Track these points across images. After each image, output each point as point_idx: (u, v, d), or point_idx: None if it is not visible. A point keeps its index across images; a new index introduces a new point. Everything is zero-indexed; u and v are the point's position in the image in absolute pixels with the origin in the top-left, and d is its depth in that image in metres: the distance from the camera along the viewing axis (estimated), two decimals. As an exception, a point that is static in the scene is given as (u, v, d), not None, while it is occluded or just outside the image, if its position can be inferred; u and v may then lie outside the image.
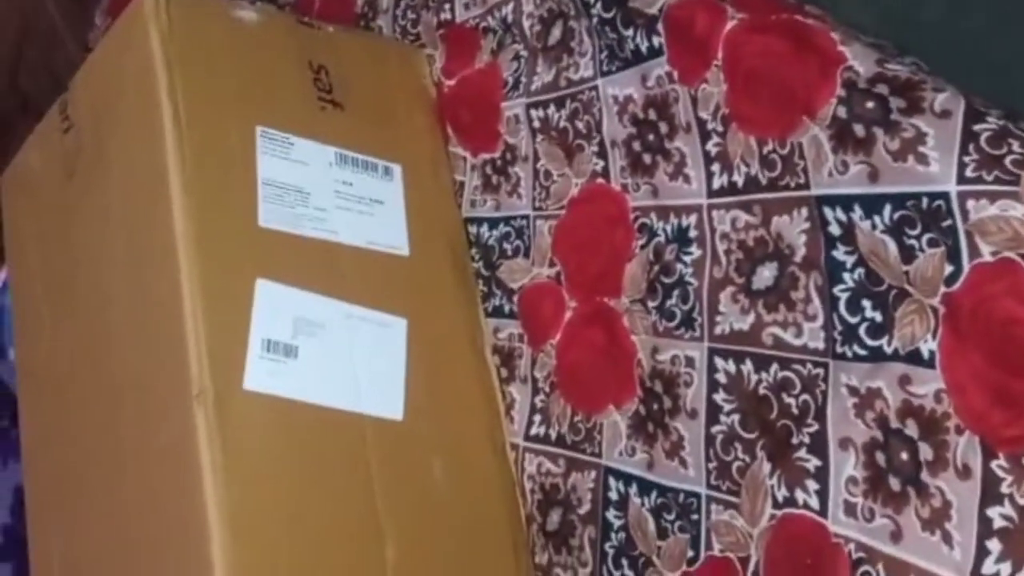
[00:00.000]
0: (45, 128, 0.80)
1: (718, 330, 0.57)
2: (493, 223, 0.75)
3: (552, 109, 0.69)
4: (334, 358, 0.64)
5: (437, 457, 0.66)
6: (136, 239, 0.65)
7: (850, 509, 0.49)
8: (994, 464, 0.43)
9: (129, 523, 0.62)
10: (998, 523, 0.43)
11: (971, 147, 0.44)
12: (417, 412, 0.66)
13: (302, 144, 0.69)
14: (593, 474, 0.64)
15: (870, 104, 0.47)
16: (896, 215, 0.47)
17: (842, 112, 0.48)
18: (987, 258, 0.43)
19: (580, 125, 0.67)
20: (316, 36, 0.75)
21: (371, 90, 0.76)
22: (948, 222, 0.44)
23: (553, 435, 0.68)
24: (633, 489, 0.61)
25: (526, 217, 0.72)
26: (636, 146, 0.63)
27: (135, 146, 0.67)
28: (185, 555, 0.56)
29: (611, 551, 0.62)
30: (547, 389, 0.69)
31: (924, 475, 0.46)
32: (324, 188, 0.69)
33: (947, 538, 0.45)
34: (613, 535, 0.62)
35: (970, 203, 0.43)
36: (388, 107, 0.77)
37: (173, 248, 0.61)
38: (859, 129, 0.48)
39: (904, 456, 0.47)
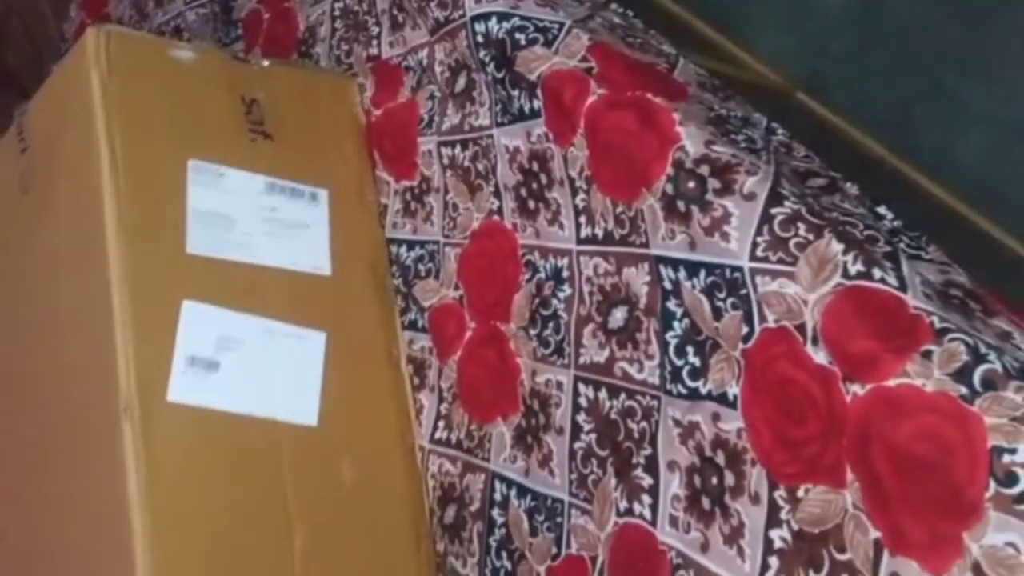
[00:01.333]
0: (6, 142, 0.87)
1: (582, 360, 0.65)
2: (411, 245, 0.83)
3: (458, 149, 0.77)
4: (253, 370, 0.72)
5: (347, 457, 0.75)
6: (76, 262, 0.73)
7: (673, 521, 0.58)
8: (776, 494, 0.52)
9: (63, 528, 0.71)
10: (777, 543, 0.52)
11: (765, 228, 0.52)
12: (331, 417, 0.75)
13: (232, 174, 0.77)
14: (483, 477, 0.73)
15: (691, 184, 0.55)
16: (708, 279, 0.55)
17: (669, 188, 0.56)
18: (771, 324, 0.51)
19: (480, 167, 0.75)
20: (249, 71, 0.82)
21: (302, 120, 0.83)
22: (744, 291, 0.52)
23: (453, 440, 0.77)
24: (513, 492, 0.70)
25: (437, 243, 0.80)
26: (523, 192, 0.70)
27: (76, 176, 0.74)
28: (112, 552, 0.65)
29: (494, 544, 0.71)
30: (450, 399, 0.78)
31: (727, 498, 0.55)
32: (252, 215, 0.77)
33: (741, 552, 0.53)
34: (496, 530, 0.71)
35: (758, 278, 0.51)
36: (318, 135, 0.84)
37: (107, 273, 0.68)
38: (681, 205, 0.56)
39: (714, 480, 0.56)
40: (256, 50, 1.00)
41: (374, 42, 0.86)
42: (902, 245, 0.55)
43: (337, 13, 0.91)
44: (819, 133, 0.69)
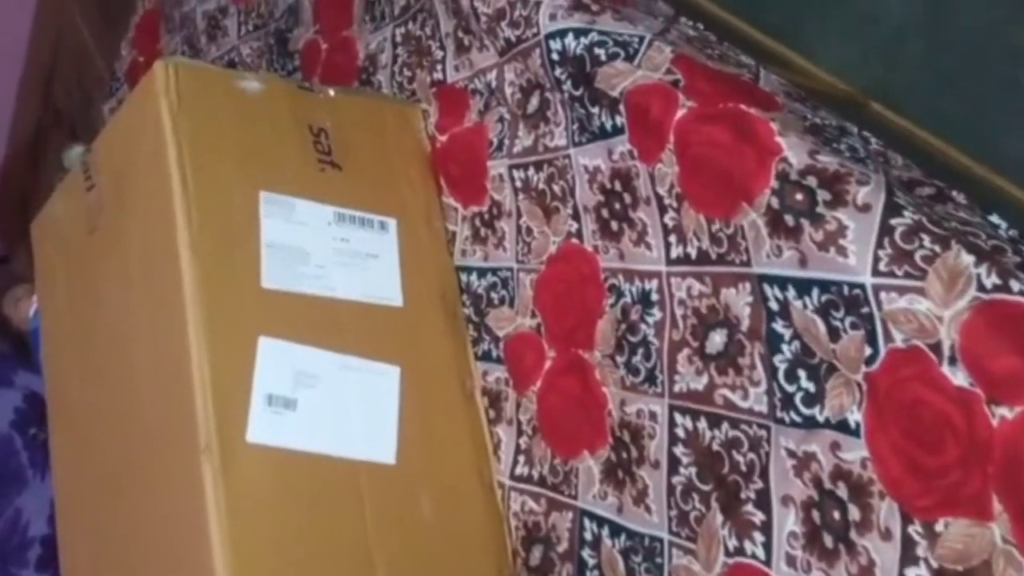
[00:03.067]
0: (70, 183, 0.87)
1: (677, 388, 0.62)
2: (482, 272, 0.80)
3: (532, 171, 0.74)
4: (331, 408, 0.70)
5: (426, 494, 0.72)
6: (149, 298, 0.72)
7: (791, 561, 0.54)
8: (911, 529, 0.48)
9: (147, 560, 0.69)
10: (914, 582, 0.47)
11: (886, 241, 0.48)
12: (409, 454, 0.72)
13: (303, 206, 0.75)
14: (570, 515, 0.70)
15: (799, 196, 0.52)
16: (823, 298, 0.51)
17: (775, 202, 0.53)
18: (899, 344, 0.47)
19: (556, 188, 0.72)
20: (316, 100, 0.81)
21: (368, 149, 0.82)
22: (866, 309, 0.49)
23: (535, 476, 0.73)
24: (605, 531, 0.66)
25: (510, 269, 0.77)
26: (604, 213, 0.67)
27: (148, 210, 0.73)
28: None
29: (586, 587, 0.68)
30: (530, 432, 0.74)
31: (852, 534, 0.51)
32: (323, 246, 0.75)
33: (871, 593, 0.49)
34: (588, 572, 0.68)
35: (883, 295, 0.47)
36: (384, 164, 0.83)
37: (182, 309, 0.67)
38: (789, 219, 0.52)
39: (836, 515, 0.52)
40: (315, 80, 0.99)
41: (438, 66, 0.84)
42: (1028, 254, 0.51)
43: (399, 39, 0.89)
44: (898, 144, 0.65)
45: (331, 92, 0.82)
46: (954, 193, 0.56)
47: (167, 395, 0.68)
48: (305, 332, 0.71)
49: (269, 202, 0.73)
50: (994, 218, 0.55)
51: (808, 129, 0.56)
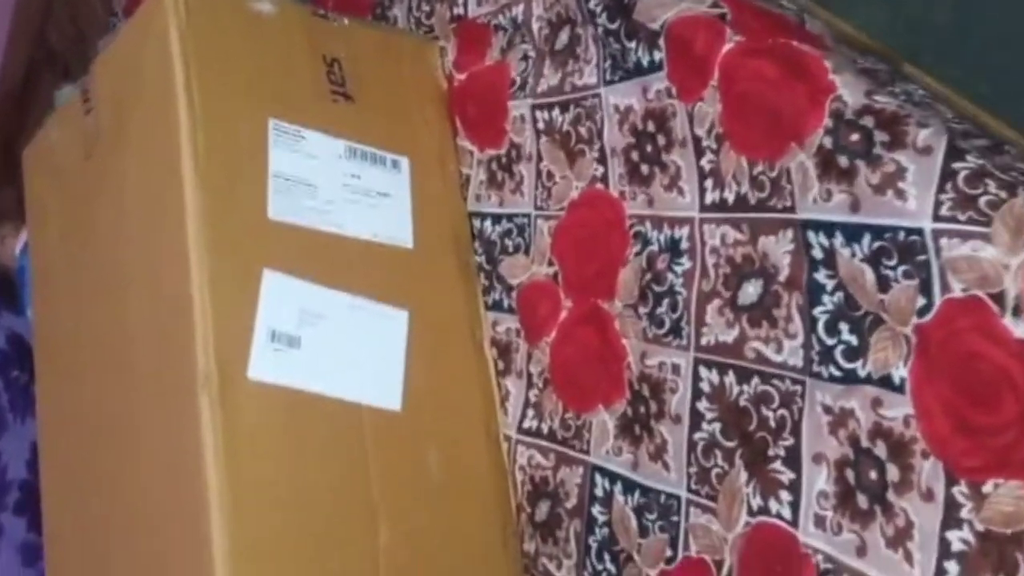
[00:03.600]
0: (67, 107, 0.82)
1: (704, 341, 0.59)
2: (496, 219, 0.77)
3: (556, 112, 0.71)
4: (336, 349, 0.66)
5: (432, 446, 0.69)
6: (149, 226, 0.68)
7: (820, 522, 0.51)
8: (955, 490, 0.45)
9: (137, 500, 0.66)
10: (956, 546, 0.45)
11: (948, 185, 0.45)
12: (415, 402, 0.69)
13: (313, 137, 0.71)
14: (581, 470, 0.67)
15: (855, 136, 0.48)
16: (874, 245, 0.48)
17: (828, 142, 0.50)
18: (957, 294, 0.44)
19: (582, 130, 0.68)
20: (331, 29, 0.77)
21: (382, 83, 0.78)
22: (923, 256, 0.46)
23: (545, 429, 0.70)
24: (618, 487, 0.64)
25: (527, 216, 0.74)
26: (634, 156, 0.64)
27: (151, 135, 0.69)
28: (187, 533, 0.59)
29: (595, 545, 0.65)
30: (540, 385, 0.71)
31: (890, 495, 0.48)
32: (333, 181, 0.71)
33: (908, 557, 0.47)
34: (597, 530, 0.65)
35: (943, 240, 0.45)
36: (399, 100, 0.79)
37: (183, 237, 0.63)
38: (843, 160, 0.49)
39: (873, 475, 0.49)
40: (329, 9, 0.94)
41: (459, 1, 0.80)
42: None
43: (418, -28, 0.85)
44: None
45: (346, 21, 0.78)
46: (1007, 147, 0.54)
47: (165, 329, 0.65)
48: (312, 268, 0.67)
49: (278, 131, 0.69)
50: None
51: (861, 71, 0.53)
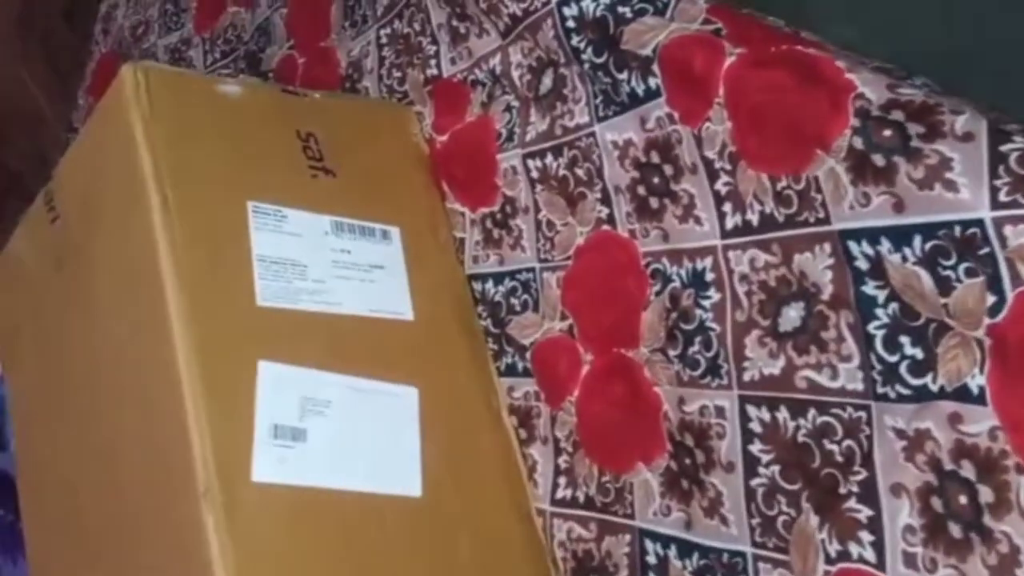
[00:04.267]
0: (32, 218, 0.78)
1: (747, 376, 0.54)
2: (498, 278, 0.73)
3: (550, 158, 0.67)
4: (345, 437, 0.61)
5: (462, 532, 0.63)
6: (129, 332, 0.63)
7: (910, 560, 0.46)
8: (1063, 504, 0.40)
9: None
10: (1075, 568, 0.40)
11: (1001, 169, 0.41)
12: (437, 486, 0.63)
13: (295, 215, 0.67)
14: (628, 537, 0.61)
15: (887, 132, 0.45)
16: (927, 245, 0.44)
17: (858, 143, 0.46)
18: (1032, 285, 0.40)
19: (580, 172, 0.65)
20: (302, 104, 0.73)
21: (363, 154, 0.74)
22: (986, 249, 0.42)
23: (581, 498, 0.65)
24: (672, 551, 0.58)
25: (532, 270, 0.70)
26: (641, 190, 0.60)
27: (123, 234, 0.64)
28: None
29: (655, 618, 0.59)
30: (570, 449, 0.66)
31: (987, 519, 0.43)
32: (321, 258, 0.67)
33: (1020, 586, 0.41)
34: (655, 601, 0.59)
35: (1007, 228, 0.41)
36: (381, 169, 0.75)
37: (169, 336, 0.58)
38: (878, 159, 0.45)
39: (963, 500, 0.44)
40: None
41: (432, 62, 0.77)
42: None
43: (384, 40, 0.83)
44: None
45: (316, 95, 0.75)
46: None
47: (158, 438, 0.59)
48: (309, 353, 0.62)
49: (258, 212, 0.65)
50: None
51: (876, 68, 0.50)
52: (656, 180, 0.59)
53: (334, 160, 0.72)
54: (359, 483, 0.60)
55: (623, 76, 0.59)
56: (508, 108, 0.71)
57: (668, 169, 0.58)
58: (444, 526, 0.62)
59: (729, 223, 0.55)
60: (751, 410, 0.54)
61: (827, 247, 0.49)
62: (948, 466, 0.44)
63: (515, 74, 0.69)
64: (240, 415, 0.57)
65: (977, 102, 0.48)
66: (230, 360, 0.59)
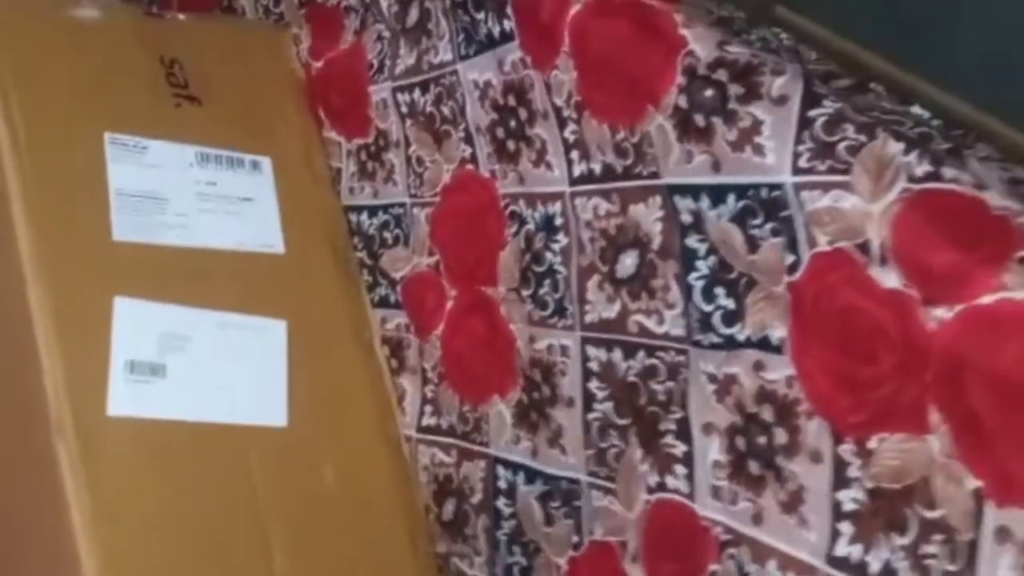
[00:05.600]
0: None
1: (588, 318, 0.57)
2: (372, 211, 0.73)
3: (417, 93, 0.67)
4: (208, 371, 0.62)
5: (327, 460, 0.65)
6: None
7: (716, 493, 0.50)
8: (842, 449, 0.44)
9: (6, 566, 0.60)
10: (848, 506, 0.44)
11: (806, 135, 0.43)
12: (303, 415, 0.65)
13: (157, 147, 0.66)
14: (483, 463, 0.64)
15: (709, 92, 0.46)
16: (739, 205, 0.46)
17: (683, 101, 0.47)
18: (824, 248, 0.43)
19: (445, 110, 0.65)
20: (166, 27, 0.71)
21: (232, 80, 0.73)
22: (786, 212, 0.44)
23: (444, 425, 0.68)
24: (520, 478, 0.61)
25: (403, 205, 0.70)
26: (499, 132, 0.61)
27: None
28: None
29: (504, 538, 0.63)
30: (436, 380, 0.68)
31: (780, 459, 0.47)
32: (185, 191, 0.66)
33: (803, 521, 0.46)
34: (504, 523, 0.63)
35: (804, 194, 0.43)
36: (252, 96, 0.74)
37: (20, 276, 0.58)
38: (699, 119, 0.47)
39: (762, 440, 0.48)
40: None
41: (307, -16, 0.75)
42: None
43: (261, -42, 0.80)
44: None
45: (181, 17, 0.73)
46: (872, 84, 0.52)
47: (11, 375, 0.59)
48: (170, 289, 0.62)
49: (116, 144, 0.64)
50: (916, 108, 0.51)
51: (716, 21, 0.51)
52: (513, 123, 0.60)
53: (200, 87, 0.70)
54: (221, 415, 0.62)
55: (481, 16, 0.59)
56: (380, 38, 0.70)
57: (523, 113, 0.59)
58: (309, 454, 0.65)
59: (576, 170, 0.56)
60: (591, 350, 0.56)
61: (658, 200, 0.51)
62: (751, 409, 0.48)
63: (383, 3, 0.68)
64: (95, 352, 0.58)
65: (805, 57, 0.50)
66: (85, 297, 0.59)
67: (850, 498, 0.44)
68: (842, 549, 0.44)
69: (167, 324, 0.61)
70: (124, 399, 0.58)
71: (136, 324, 0.60)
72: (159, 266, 0.63)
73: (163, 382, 0.60)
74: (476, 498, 0.65)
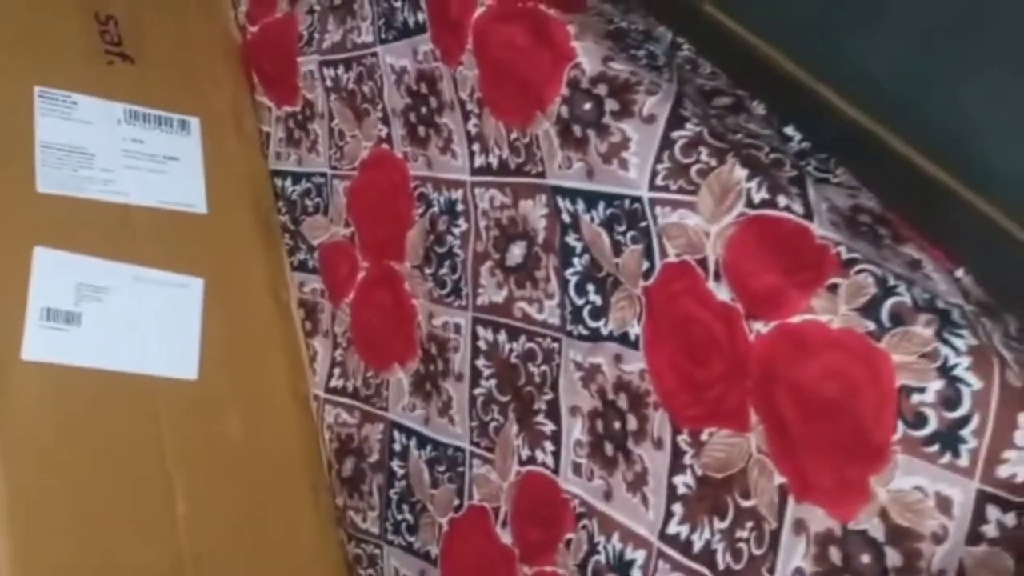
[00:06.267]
0: None
1: (480, 300, 0.61)
2: (296, 178, 0.76)
3: (341, 70, 0.70)
4: (121, 323, 0.65)
5: (234, 412, 0.69)
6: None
7: (576, 469, 0.55)
8: (680, 438, 0.49)
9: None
10: (681, 489, 0.49)
11: (666, 155, 0.47)
12: (214, 370, 0.69)
13: (86, 102, 0.68)
14: (381, 427, 0.69)
15: (587, 105, 0.50)
16: (607, 212, 0.50)
17: (564, 111, 0.51)
18: (672, 259, 0.47)
19: (366, 89, 0.68)
20: (103, -17, 0.73)
21: (166, 40, 0.75)
22: (644, 223, 0.48)
23: (349, 388, 0.72)
24: (413, 442, 0.66)
25: (324, 175, 0.73)
26: (412, 117, 0.64)
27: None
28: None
29: (395, 497, 0.68)
30: (345, 344, 0.72)
31: (630, 443, 0.52)
32: (111, 147, 0.69)
33: (644, 500, 0.51)
34: (397, 483, 0.67)
35: (658, 209, 0.47)
36: (186, 57, 0.76)
37: (-59, 218, 0.60)
38: (577, 129, 0.50)
39: (617, 425, 0.52)
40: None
41: (246, -50, 0.77)
42: (810, 168, 0.51)
43: (205, -82, 0.81)
44: (729, 50, 0.64)
45: (121, -26, 0.74)
46: (754, 104, 0.56)
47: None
48: (91, 242, 0.65)
49: (45, 98, 0.66)
50: (789, 130, 0.55)
51: (610, 34, 0.54)
52: (424, 110, 0.63)
53: (134, 45, 0.72)
54: (132, 365, 0.65)
55: (398, 4, 0.61)
56: (311, 11, 0.72)
57: (433, 102, 0.62)
58: (218, 406, 0.68)
59: (477, 162, 0.60)
60: (480, 330, 0.61)
61: (543, 198, 0.55)
62: (611, 396, 0.53)
63: (314, -21, 0.70)
64: (12, 298, 0.61)
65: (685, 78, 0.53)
66: (6, 245, 0.62)
67: (683, 483, 0.49)
68: (673, 528, 0.49)
69: (85, 275, 0.64)
70: (39, 344, 0.61)
71: (54, 273, 0.63)
72: (81, 219, 0.65)
73: (78, 331, 0.63)
74: (373, 458, 0.69)
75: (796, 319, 0.42)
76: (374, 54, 0.66)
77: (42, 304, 0.62)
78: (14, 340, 0.60)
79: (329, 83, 0.71)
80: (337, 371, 0.73)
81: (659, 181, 0.47)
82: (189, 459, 0.65)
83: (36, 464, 0.59)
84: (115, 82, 0.70)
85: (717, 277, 0.45)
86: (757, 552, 0.45)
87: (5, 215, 0.62)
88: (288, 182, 0.77)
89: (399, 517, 0.67)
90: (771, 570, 0.43)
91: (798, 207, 0.44)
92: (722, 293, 0.45)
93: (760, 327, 0.43)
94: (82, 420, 0.62)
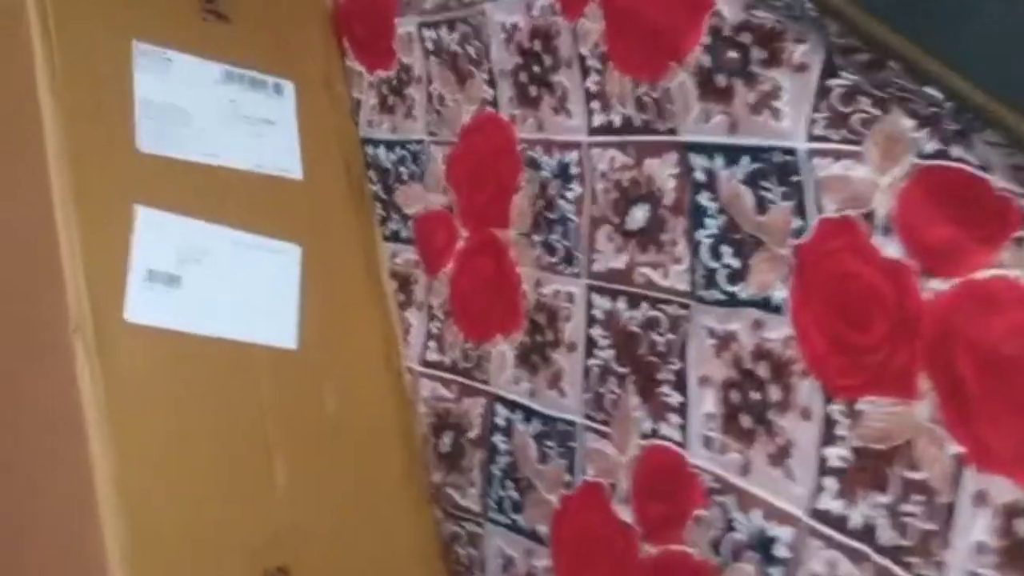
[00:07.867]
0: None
1: (596, 267, 0.58)
2: (390, 145, 0.74)
3: (444, 31, 0.67)
4: (223, 287, 0.64)
5: (329, 383, 0.67)
6: (6, 163, 0.63)
7: (707, 442, 0.52)
8: (832, 408, 0.46)
9: (14, 466, 0.62)
10: (834, 463, 0.46)
11: (823, 104, 0.44)
12: (311, 340, 0.67)
13: (182, 60, 0.67)
14: (482, 401, 0.66)
15: (732, 54, 0.47)
16: (752, 167, 0.47)
17: (706, 60, 0.48)
18: (831, 214, 0.44)
19: (471, 50, 0.65)
20: (200, -57, 0.71)
21: (261, 1, 0.73)
22: (797, 177, 0.45)
23: (447, 361, 0.70)
24: (518, 416, 0.64)
25: (421, 142, 0.71)
26: (522, 77, 0.61)
27: (2, 67, 0.63)
28: (72, 488, 0.57)
29: (498, 473, 0.65)
30: (441, 316, 0.70)
31: (771, 414, 0.49)
32: (208, 108, 0.67)
33: (790, 473, 0.48)
34: (499, 458, 0.65)
35: (816, 160, 0.44)
36: (280, 19, 0.74)
37: (45, 171, 0.59)
38: (721, 79, 0.48)
39: (755, 396, 0.49)
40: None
41: (341, -88, 0.75)
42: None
43: None
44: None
45: (217, -66, 0.73)
46: (891, 62, 0.53)
47: (31, 276, 0.61)
48: (190, 202, 0.64)
49: (143, 54, 0.65)
50: (930, 90, 0.52)
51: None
52: (536, 69, 0.60)
53: (230, 5, 0.70)
54: (233, 331, 0.63)
55: (514, -43, 0.59)
56: (411, -28, 0.70)
57: (548, 59, 0.59)
58: (315, 377, 0.67)
59: (596, 120, 0.57)
60: (596, 298, 0.58)
61: (673, 156, 0.52)
62: (747, 365, 0.50)
63: (417, -62, 0.68)
64: (115, 257, 0.60)
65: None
66: (108, 203, 0.60)
67: (836, 455, 0.46)
68: (825, 503, 0.46)
69: (186, 237, 0.63)
70: (141, 306, 0.59)
71: (156, 234, 0.61)
72: (179, 180, 0.64)
73: (179, 293, 0.61)
74: (473, 433, 0.67)
75: (981, 274, 0.39)
76: (482, 12, 0.64)
77: (146, 265, 0.60)
78: (117, 300, 0.59)
79: (430, 45, 0.69)
80: (433, 344, 0.71)
81: (817, 131, 0.44)
82: (288, 431, 0.64)
83: (140, 423, 0.58)
84: (210, 41, 0.68)
85: (886, 232, 0.42)
86: (928, 527, 0.42)
87: (105, 172, 0.61)
88: (381, 150, 0.74)
89: (502, 494, 0.65)
90: (944, 545, 0.40)
91: (972, 158, 0.41)
92: (890, 249, 0.42)
93: (938, 284, 0.40)
94: (185, 383, 0.61)
